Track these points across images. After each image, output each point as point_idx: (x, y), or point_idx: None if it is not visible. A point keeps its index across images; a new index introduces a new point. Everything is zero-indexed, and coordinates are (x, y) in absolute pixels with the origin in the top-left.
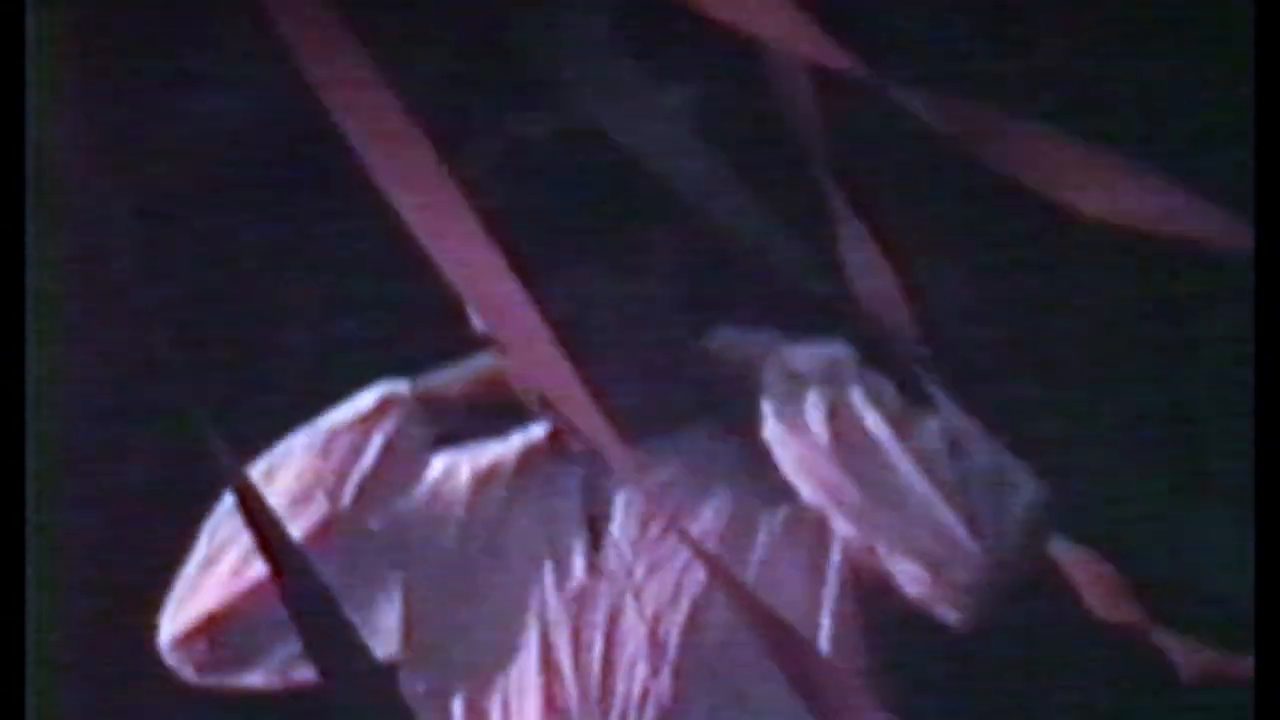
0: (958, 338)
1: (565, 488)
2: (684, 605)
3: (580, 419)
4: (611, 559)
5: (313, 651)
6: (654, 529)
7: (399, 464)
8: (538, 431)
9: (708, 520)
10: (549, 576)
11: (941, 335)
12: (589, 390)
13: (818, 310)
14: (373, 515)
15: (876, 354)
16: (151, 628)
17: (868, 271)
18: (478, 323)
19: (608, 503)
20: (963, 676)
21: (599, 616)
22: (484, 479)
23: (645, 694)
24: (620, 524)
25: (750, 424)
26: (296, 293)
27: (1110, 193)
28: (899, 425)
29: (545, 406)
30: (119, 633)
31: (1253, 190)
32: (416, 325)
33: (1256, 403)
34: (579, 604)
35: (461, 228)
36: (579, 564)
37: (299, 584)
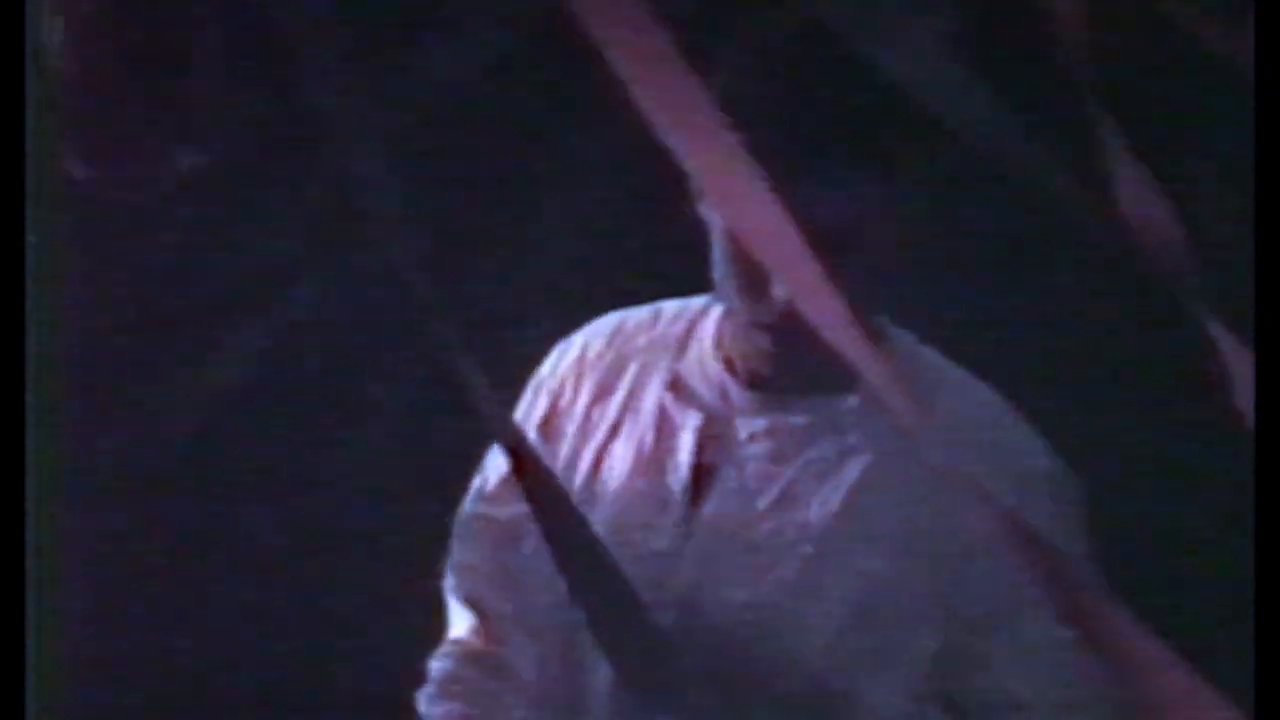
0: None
1: (678, 431)
2: (776, 596)
3: (836, 335)
4: (709, 522)
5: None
6: (761, 502)
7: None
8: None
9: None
10: (637, 528)
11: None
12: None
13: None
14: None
15: (1151, 288)
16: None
17: (1141, 200)
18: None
19: (722, 459)
20: None
21: (679, 583)
22: (600, 395)
23: None
24: (727, 489)
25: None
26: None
27: None
28: None
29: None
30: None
31: (1253, 189)
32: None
33: (1257, 403)
34: (660, 567)
35: (715, 141)
36: (672, 519)
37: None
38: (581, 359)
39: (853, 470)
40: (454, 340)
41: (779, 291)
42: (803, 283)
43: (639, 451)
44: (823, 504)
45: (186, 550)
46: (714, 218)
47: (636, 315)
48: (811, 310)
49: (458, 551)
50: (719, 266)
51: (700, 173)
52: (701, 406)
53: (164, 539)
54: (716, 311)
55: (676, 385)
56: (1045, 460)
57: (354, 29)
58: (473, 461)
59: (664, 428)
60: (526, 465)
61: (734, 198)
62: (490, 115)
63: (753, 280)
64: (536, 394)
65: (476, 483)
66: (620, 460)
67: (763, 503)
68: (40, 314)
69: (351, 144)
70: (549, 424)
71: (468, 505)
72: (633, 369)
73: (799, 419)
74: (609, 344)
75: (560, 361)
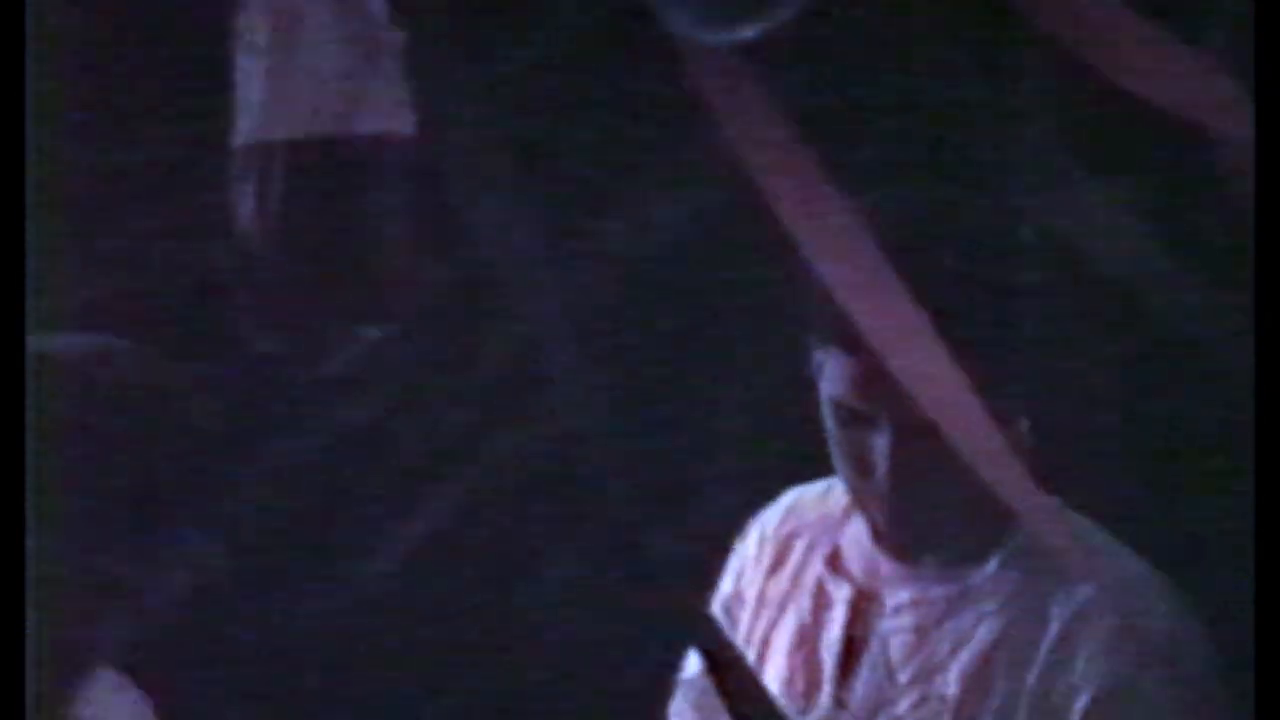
0: None
1: (832, 604)
2: None
3: (1006, 478)
4: (859, 694)
5: None
6: (904, 675)
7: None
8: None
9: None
10: (796, 696)
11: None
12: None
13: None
14: None
15: None
16: None
17: None
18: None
19: (869, 632)
20: None
21: None
22: (772, 570)
23: None
24: (875, 661)
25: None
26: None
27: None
28: None
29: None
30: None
31: (1253, 189)
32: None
33: (1257, 404)
34: None
35: (889, 301)
36: (825, 693)
37: None
38: (761, 537)
39: (984, 636)
40: (637, 512)
41: (882, 471)
42: (965, 425)
43: (800, 625)
44: (959, 676)
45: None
46: (824, 398)
47: (812, 490)
48: (972, 452)
49: None
50: (831, 447)
51: (882, 342)
52: (853, 580)
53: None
54: None
55: (834, 559)
56: (1192, 630)
57: (536, 199)
58: (658, 635)
59: (820, 601)
60: (719, 654)
61: (909, 362)
62: (669, 285)
63: (859, 459)
64: (726, 573)
65: (685, 668)
66: (785, 633)
67: (905, 675)
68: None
69: (533, 313)
70: (733, 602)
71: (677, 692)
72: (801, 544)
73: (940, 589)
74: (784, 520)
75: (745, 540)
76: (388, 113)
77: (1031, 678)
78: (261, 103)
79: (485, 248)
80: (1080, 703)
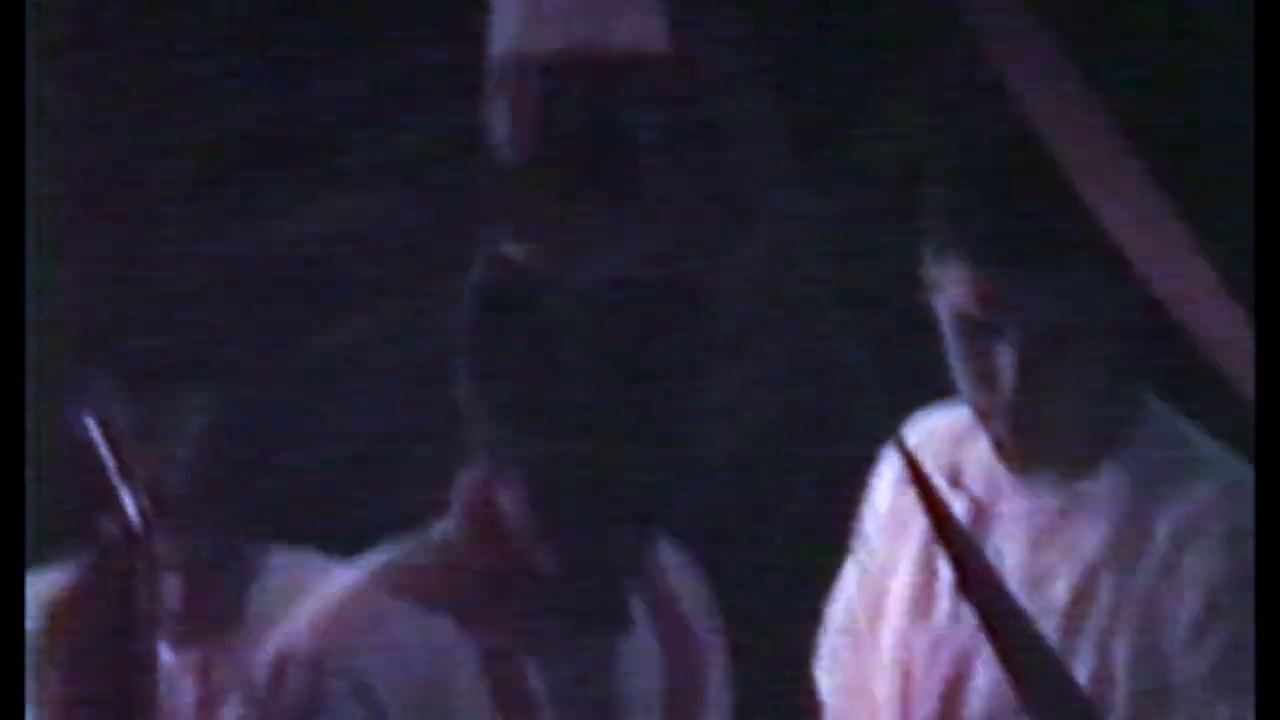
0: None
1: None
2: None
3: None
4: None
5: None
6: (1014, 584)
7: None
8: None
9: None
10: (914, 608)
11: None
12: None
13: None
14: None
15: None
16: None
17: None
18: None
19: (983, 544)
20: None
21: (945, 670)
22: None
23: None
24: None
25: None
26: None
27: None
28: None
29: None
30: None
31: (1253, 189)
32: None
33: (1257, 404)
34: (933, 649)
35: (1174, 245)
36: (943, 607)
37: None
38: (895, 453)
39: (1092, 545)
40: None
41: (1008, 382)
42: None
43: (922, 539)
44: (1069, 586)
45: None
46: (943, 313)
47: (944, 411)
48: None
49: None
50: (953, 360)
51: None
52: (970, 494)
53: None
54: None
55: (954, 474)
56: None
57: (790, 112)
58: None
59: None
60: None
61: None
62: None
63: (982, 372)
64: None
65: None
66: (909, 546)
67: (1015, 584)
68: None
69: (786, 228)
70: (867, 516)
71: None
72: (927, 461)
73: (1052, 500)
74: (914, 436)
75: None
76: (641, 27)
77: (1139, 587)
78: (517, 15)
79: (740, 163)
80: (1188, 611)
